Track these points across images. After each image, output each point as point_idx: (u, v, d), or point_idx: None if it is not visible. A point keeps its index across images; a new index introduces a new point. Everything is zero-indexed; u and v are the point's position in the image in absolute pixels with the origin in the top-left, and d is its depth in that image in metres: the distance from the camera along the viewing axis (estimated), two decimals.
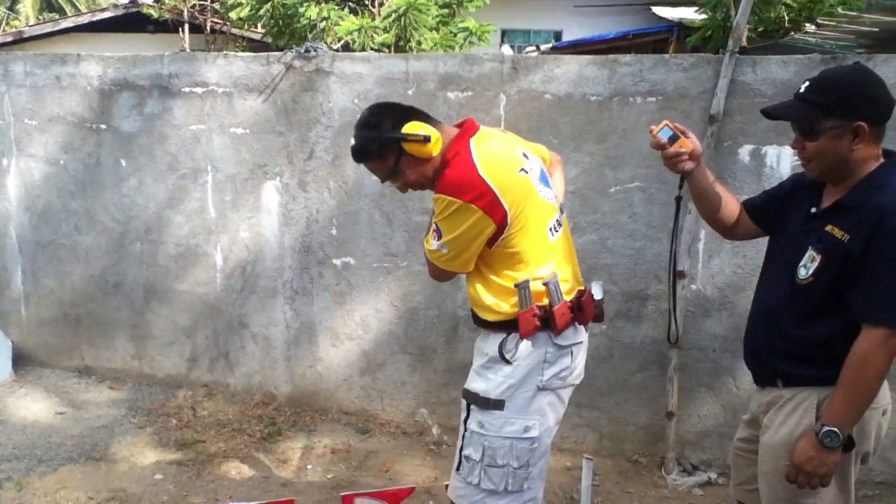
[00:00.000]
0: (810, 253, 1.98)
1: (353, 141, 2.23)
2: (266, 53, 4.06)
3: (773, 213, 2.23)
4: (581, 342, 2.27)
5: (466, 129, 2.20)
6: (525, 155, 2.24)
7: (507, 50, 6.02)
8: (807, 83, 1.97)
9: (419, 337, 4.04)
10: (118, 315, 4.60)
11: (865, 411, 2.00)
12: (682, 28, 9.51)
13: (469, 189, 2.03)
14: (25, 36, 13.77)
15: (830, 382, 1.99)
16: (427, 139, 2.12)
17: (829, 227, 1.95)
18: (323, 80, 3.94)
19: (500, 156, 2.15)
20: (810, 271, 1.96)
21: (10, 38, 13.75)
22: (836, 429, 1.90)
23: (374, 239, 4.01)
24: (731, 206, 2.27)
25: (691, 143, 2.08)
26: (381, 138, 2.14)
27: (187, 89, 4.18)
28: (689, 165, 2.09)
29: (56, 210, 4.58)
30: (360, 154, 2.22)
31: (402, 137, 2.12)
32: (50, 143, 4.49)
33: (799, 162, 2.11)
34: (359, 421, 4.17)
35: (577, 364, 2.26)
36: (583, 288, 2.33)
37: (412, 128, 2.12)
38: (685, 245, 3.52)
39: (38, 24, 15.86)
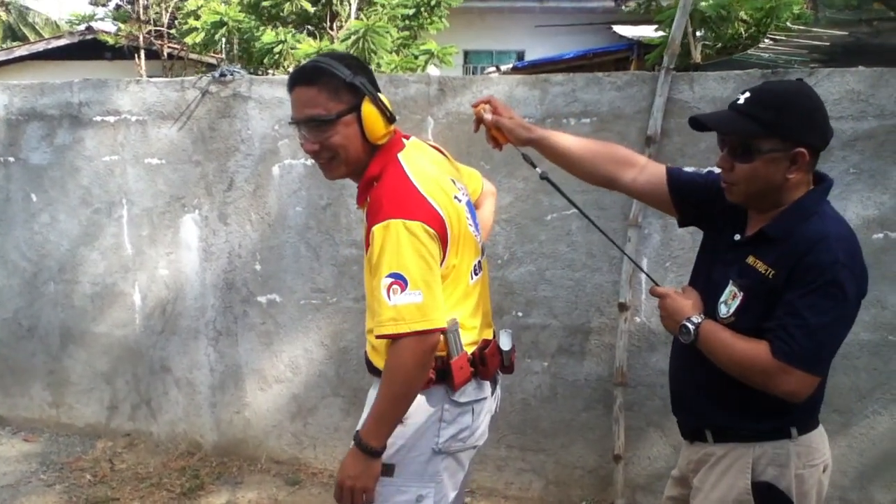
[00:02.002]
0: (731, 288, 1.77)
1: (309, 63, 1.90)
2: (180, 79, 3.80)
3: (697, 204, 1.97)
4: (484, 398, 2.00)
5: (393, 143, 1.94)
6: (454, 183, 2.00)
7: (433, 71, 5.83)
8: (747, 94, 1.72)
9: (352, 378, 3.76)
10: (33, 360, 4.28)
11: (804, 469, 1.78)
12: (641, 46, 9.41)
13: (417, 208, 1.77)
14: None
15: (765, 437, 1.79)
16: (391, 118, 1.89)
17: (751, 259, 1.74)
18: (241, 105, 3.68)
19: (435, 178, 1.91)
20: (731, 309, 1.75)
21: None
22: None
23: (301, 274, 3.74)
24: (608, 156, 2.03)
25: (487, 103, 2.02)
26: (348, 79, 1.82)
27: (99, 118, 3.90)
28: (487, 117, 2.00)
29: None
30: (311, 74, 1.84)
31: (372, 93, 1.85)
32: None
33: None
34: (289, 471, 3.87)
35: (479, 423, 2.00)
36: (489, 338, 2.06)
37: (385, 101, 1.89)
38: (627, 275, 3.28)
39: None
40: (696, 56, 6.54)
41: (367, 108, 1.84)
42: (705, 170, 2.53)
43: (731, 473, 1.82)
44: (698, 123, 1.79)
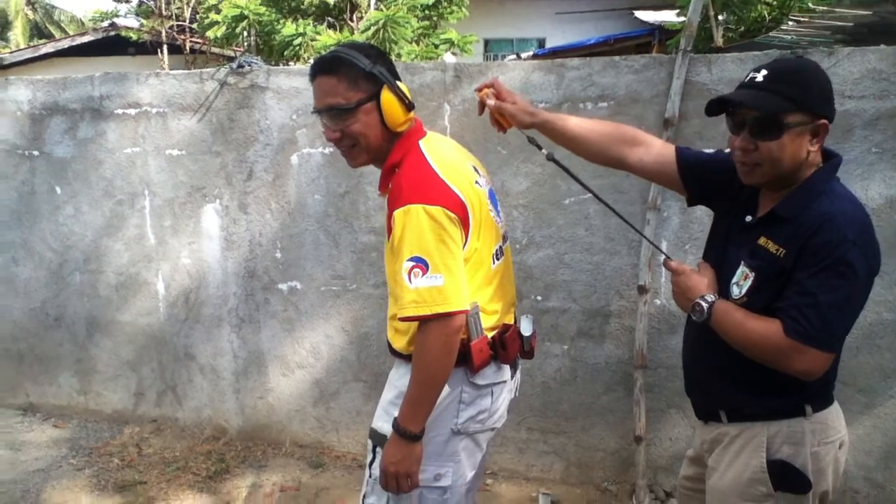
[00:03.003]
0: (742, 269, 1.76)
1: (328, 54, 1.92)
2: (199, 71, 3.83)
3: (708, 183, 1.96)
4: (504, 382, 2.02)
5: (414, 131, 1.97)
6: (475, 169, 2.02)
7: (449, 58, 5.83)
8: (764, 71, 1.69)
9: (373, 363, 3.80)
10: (61, 349, 4.36)
11: (819, 447, 1.78)
12: (663, 31, 9.34)
13: (437, 193, 1.79)
14: (6, 63, 13.63)
15: (779, 416, 1.79)
16: (410, 106, 1.92)
17: (762, 240, 1.74)
18: (259, 95, 3.71)
19: (455, 163, 1.93)
20: (743, 290, 1.75)
21: None
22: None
23: (321, 261, 3.78)
24: (616, 136, 2.03)
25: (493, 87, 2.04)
26: (367, 68, 1.86)
27: (120, 111, 3.95)
28: (490, 102, 2.02)
29: None
30: (331, 63, 1.87)
31: (391, 82, 1.88)
32: None
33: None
34: (313, 454, 3.92)
35: (498, 406, 2.02)
36: (510, 323, 2.07)
37: (403, 89, 1.91)
38: (646, 258, 3.28)
39: (18, 50, 15.71)
40: (718, 40, 6.49)
41: (386, 97, 1.87)
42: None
43: (746, 452, 1.82)
44: (713, 107, 1.77)
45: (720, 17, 6.96)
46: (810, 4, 4.84)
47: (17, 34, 26.74)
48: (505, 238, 2.12)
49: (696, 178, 1.97)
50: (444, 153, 1.94)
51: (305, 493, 3.58)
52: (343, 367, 3.86)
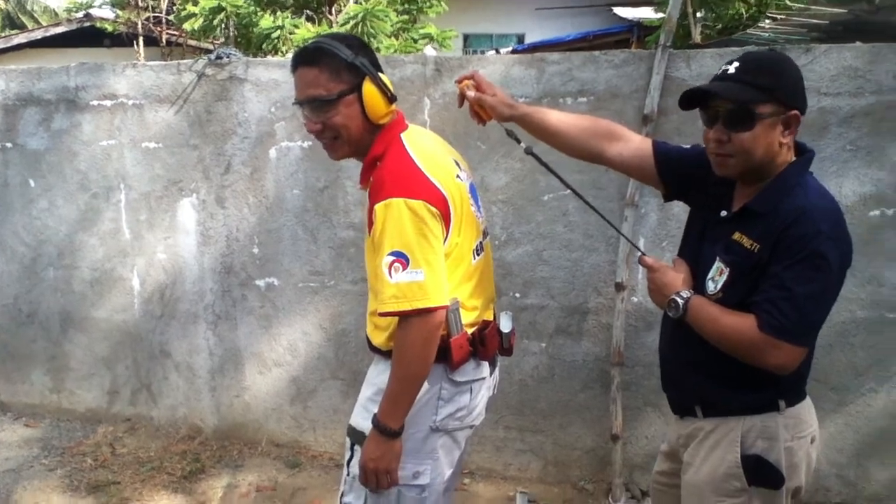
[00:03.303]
0: (717, 265, 1.77)
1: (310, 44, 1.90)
2: (177, 62, 3.78)
3: (685, 178, 1.96)
4: (483, 378, 2.01)
5: (395, 124, 1.94)
6: (457, 163, 2.01)
7: (429, 51, 5.82)
8: (736, 63, 1.70)
9: (351, 361, 3.77)
10: (34, 346, 4.29)
11: (793, 441, 1.78)
12: (641, 28, 9.38)
13: (419, 187, 1.77)
14: None
15: (754, 411, 1.79)
16: (392, 98, 1.90)
17: (736, 235, 1.74)
18: (237, 88, 3.67)
19: (437, 157, 1.91)
20: (718, 285, 1.75)
21: None
22: None
23: (299, 257, 3.74)
24: (593, 131, 2.02)
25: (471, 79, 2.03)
26: (349, 59, 1.83)
27: (96, 102, 3.89)
28: (470, 94, 2.00)
29: None
30: (312, 54, 1.84)
31: (373, 73, 1.85)
32: None
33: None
34: (289, 454, 3.88)
35: (476, 403, 2.00)
36: (489, 319, 2.06)
37: (386, 81, 1.89)
38: (623, 255, 3.28)
39: None
40: (696, 36, 6.52)
41: (368, 88, 1.85)
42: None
43: (721, 447, 1.82)
44: (687, 100, 1.77)
45: (698, 14, 6.99)
46: (787, 2, 4.87)
47: None
48: (485, 234, 2.11)
49: (673, 172, 1.97)
50: (425, 147, 1.92)
51: (282, 494, 3.54)
52: (321, 365, 3.83)
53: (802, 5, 4.82)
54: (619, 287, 3.29)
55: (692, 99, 1.76)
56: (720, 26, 6.92)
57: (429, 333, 1.77)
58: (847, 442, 3.23)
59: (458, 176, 1.94)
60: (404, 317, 1.76)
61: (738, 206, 1.78)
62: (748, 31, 5.45)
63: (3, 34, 18.09)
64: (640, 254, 1.99)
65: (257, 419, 3.97)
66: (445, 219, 1.82)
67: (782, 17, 5.08)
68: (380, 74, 1.88)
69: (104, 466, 3.77)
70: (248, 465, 3.80)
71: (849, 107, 2.98)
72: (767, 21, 5.58)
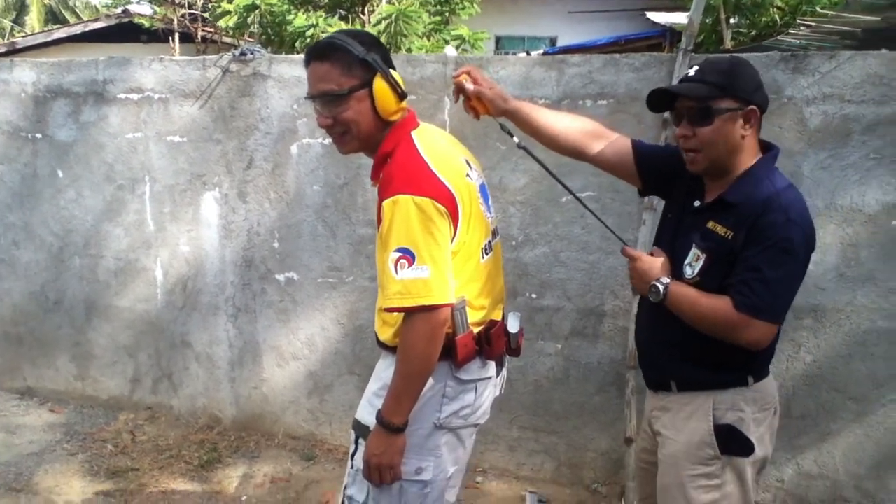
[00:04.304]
0: (694, 251, 1.91)
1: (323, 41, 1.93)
2: (202, 57, 3.83)
3: (660, 174, 2.12)
4: (488, 378, 2.01)
5: (406, 121, 1.95)
6: (467, 162, 2.02)
7: (450, 51, 5.82)
8: (696, 67, 1.89)
9: (367, 357, 3.79)
10: (59, 333, 4.38)
11: (759, 413, 1.95)
12: (674, 33, 9.30)
13: (427, 184, 1.79)
14: (19, 47, 13.66)
15: (726, 385, 1.95)
16: (403, 95, 1.91)
17: (711, 224, 1.89)
18: (261, 84, 3.71)
19: (447, 155, 1.93)
20: (696, 270, 1.90)
21: (3, 49, 13.65)
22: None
23: (318, 252, 3.78)
24: (579, 128, 2.16)
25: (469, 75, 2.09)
26: (362, 55, 1.85)
27: (123, 95, 3.96)
28: (469, 87, 2.07)
29: None
30: (325, 50, 1.87)
31: (384, 70, 1.87)
32: None
33: None
34: (305, 446, 3.92)
35: (481, 402, 2.01)
36: (497, 319, 2.06)
37: (397, 77, 1.90)
38: None
39: (31, 35, 15.75)
40: (728, 42, 6.45)
41: (379, 85, 1.86)
42: None
43: (695, 418, 1.95)
44: (655, 103, 1.96)
45: (732, 21, 6.91)
46: (819, 9, 4.80)
47: (33, 19, 26.88)
48: (495, 233, 2.11)
49: (650, 169, 2.12)
50: (436, 145, 1.93)
51: (296, 485, 3.58)
52: (337, 360, 3.86)
53: (835, 12, 4.76)
54: (639, 298, 3.27)
55: (660, 103, 1.96)
56: (754, 33, 6.84)
57: (433, 331, 1.78)
58: (866, 453, 3.18)
59: (467, 175, 1.95)
60: (409, 313, 1.78)
61: (712, 197, 1.92)
62: (779, 37, 5.38)
63: (45, 29, 18.45)
64: (622, 245, 2.09)
65: (274, 411, 4.02)
66: (453, 217, 1.83)
67: (814, 24, 5.01)
68: (391, 71, 1.89)
69: (124, 453, 3.84)
70: (264, 457, 3.84)
71: (873, 115, 2.93)
72: (800, 28, 5.51)
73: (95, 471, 3.67)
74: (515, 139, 2.11)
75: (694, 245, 1.90)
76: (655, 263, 1.94)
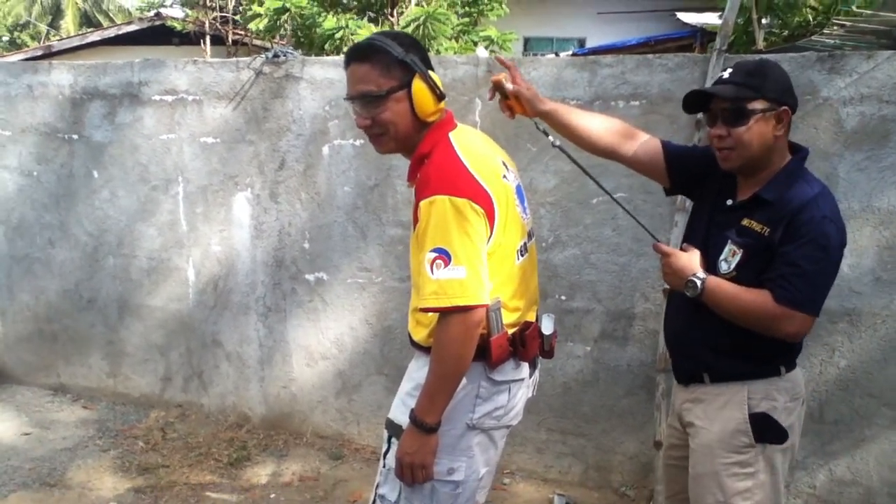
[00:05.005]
0: (730, 247, 1.96)
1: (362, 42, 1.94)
2: (235, 59, 3.87)
3: (689, 174, 2.17)
4: (522, 379, 2.01)
5: (444, 122, 1.96)
6: (504, 164, 2.02)
7: (481, 52, 5.84)
8: (730, 70, 1.95)
9: (396, 357, 3.80)
10: (93, 331, 4.44)
11: (791, 402, 2.01)
12: (705, 33, 9.22)
13: (465, 185, 1.79)
14: (54, 50, 13.90)
15: (759, 375, 2.00)
16: (441, 96, 1.92)
17: (746, 222, 1.94)
18: (293, 86, 3.74)
19: (485, 156, 1.93)
20: (732, 265, 1.95)
21: (39, 52, 13.89)
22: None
23: (348, 253, 3.80)
24: (612, 129, 2.20)
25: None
26: (401, 56, 1.86)
27: (157, 97, 4.01)
28: (509, 86, 2.10)
29: (30, 223, 4.44)
30: (365, 51, 1.88)
31: (423, 71, 1.88)
32: (24, 154, 4.36)
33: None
34: (333, 446, 3.94)
35: (514, 403, 2.01)
36: (531, 320, 2.06)
37: (436, 79, 1.92)
38: None
39: (66, 38, 16.03)
40: (760, 43, 6.37)
41: (418, 86, 1.87)
42: None
43: (729, 407, 2.00)
44: (690, 104, 2.02)
45: (764, 21, 6.82)
46: (854, 9, 4.74)
47: (68, 22, 27.36)
48: (531, 235, 2.11)
49: (679, 168, 2.18)
50: (473, 146, 1.93)
51: (323, 484, 3.60)
52: (366, 360, 3.88)
53: (871, 12, 4.69)
54: (668, 293, 3.24)
55: (694, 104, 2.02)
56: (787, 33, 6.76)
57: (468, 331, 1.78)
58: None
59: (504, 176, 1.95)
60: (444, 314, 1.78)
61: (745, 195, 1.98)
62: (813, 37, 5.31)
63: (79, 32, 18.75)
64: (654, 241, 2.11)
65: (303, 410, 4.04)
66: (490, 218, 1.83)
67: (849, 23, 4.94)
68: (430, 73, 1.90)
69: (155, 450, 3.89)
70: (293, 455, 3.87)
71: None
72: (834, 28, 5.44)
73: (127, 467, 3.72)
74: (551, 138, 2.13)
75: (729, 241, 1.96)
76: (692, 258, 1.98)
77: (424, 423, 1.83)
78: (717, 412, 2.02)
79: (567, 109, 2.20)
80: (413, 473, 1.87)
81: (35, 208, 4.41)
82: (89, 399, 4.50)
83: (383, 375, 3.85)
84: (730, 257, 1.95)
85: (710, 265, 1.99)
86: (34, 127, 4.31)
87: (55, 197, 4.36)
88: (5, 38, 26.69)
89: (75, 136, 4.24)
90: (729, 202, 2.02)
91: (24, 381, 4.68)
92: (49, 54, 13.57)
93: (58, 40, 15.73)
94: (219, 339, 4.15)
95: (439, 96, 1.92)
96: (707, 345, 2.03)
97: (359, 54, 1.89)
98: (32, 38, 25.92)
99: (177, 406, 4.32)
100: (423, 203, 1.79)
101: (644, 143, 2.20)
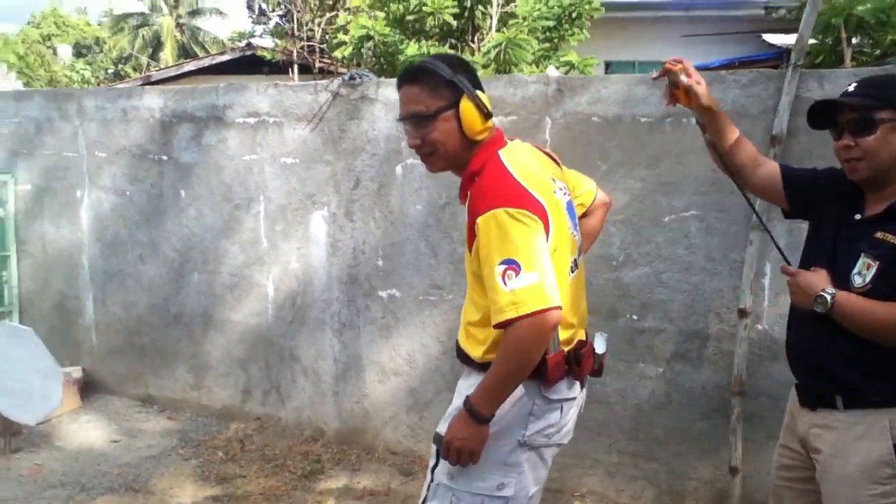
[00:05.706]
0: (864, 260, 1.92)
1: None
2: (314, 82, 4.02)
3: (807, 196, 2.17)
4: (574, 398, 2.00)
5: (494, 140, 1.99)
6: (555, 181, 2.03)
7: (552, 71, 5.82)
8: (854, 83, 1.98)
9: None
10: (178, 345, 4.64)
11: None
12: (790, 54, 8.97)
13: (518, 197, 1.82)
14: (154, 80, 14.63)
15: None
16: (488, 115, 1.96)
17: (880, 234, 1.91)
18: (368, 107, 3.85)
19: (535, 171, 1.96)
20: (867, 279, 1.90)
21: (140, 82, 14.66)
22: None
23: (420, 271, 3.86)
24: (747, 150, 2.22)
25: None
26: (449, 77, 1.91)
27: (241, 120, 4.19)
28: (684, 79, 2.08)
29: (123, 240, 4.69)
30: (414, 73, 1.96)
31: (470, 91, 1.92)
32: (118, 174, 4.62)
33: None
34: (404, 462, 3.98)
35: (566, 422, 2.00)
36: (584, 339, 2.06)
37: (483, 98, 1.96)
38: (748, 280, 3.16)
39: (164, 68, 16.89)
40: (849, 63, 6.17)
41: (465, 105, 1.91)
42: None
43: (869, 438, 1.93)
44: (815, 118, 2.04)
45: (854, 40, 6.61)
46: None
47: (167, 54, 28.76)
48: (580, 252, 2.11)
49: (797, 191, 2.18)
50: (523, 162, 1.95)
51: (394, 499, 3.64)
52: (436, 377, 3.91)
53: None
54: (743, 313, 3.17)
55: (818, 120, 2.03)
56: (878, 52, 6.52)
57: (544, 334, 1.78)
58: None
59: (554, 192, 1.96)
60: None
61: (875, 209, 1.95)
62: None
63: (176, 63, 19.67)
64: (782, 263, 2.12)
65: (375, 426, 4.10)
66: (545, 228, 1.84)
67: None
68: (478, 92, 1.94)
69: (233, 460, 4.01)
70: (365, 470, 3.92)
71: None
72: None
73: (206, 476, 3.85)
74: (707, 136, 2.20)
75: (863, 254, 1.92)
76: (820, 275, 1.97)
77: (478, 413, 1.83)
78: (855, 443, 1.95)
79: (724, 114, 2.22)
80: (460, 457, 1.87)
81: (127, 226, 4.66)
82: (174, 410, 4.69)
83: (453, 393, 3.86)
84: (864, 270, 1.91)
85: (842, 280, 1.94)
86: (127, 149, 4.56)
87: (145, 215, 4.59)
88: (111, 71, 28.28)
89: (164, 157, 4.47)
90: (857, 217, 2.00)
91: (116, 391, 4.92)
92: (148, 83, 14.31)
93: (156, 70, 16.56)
94: (296, 353, 4.26)
95: (487, 115, 1.95)
96: (843, 365, 1.97)
97: (409, 77, 1.96)
98: (134, 69, 27.38)
99: (256, 419, 4.45)
100: (480, 219, 1.81)
101: (765, 167, 2.23)
